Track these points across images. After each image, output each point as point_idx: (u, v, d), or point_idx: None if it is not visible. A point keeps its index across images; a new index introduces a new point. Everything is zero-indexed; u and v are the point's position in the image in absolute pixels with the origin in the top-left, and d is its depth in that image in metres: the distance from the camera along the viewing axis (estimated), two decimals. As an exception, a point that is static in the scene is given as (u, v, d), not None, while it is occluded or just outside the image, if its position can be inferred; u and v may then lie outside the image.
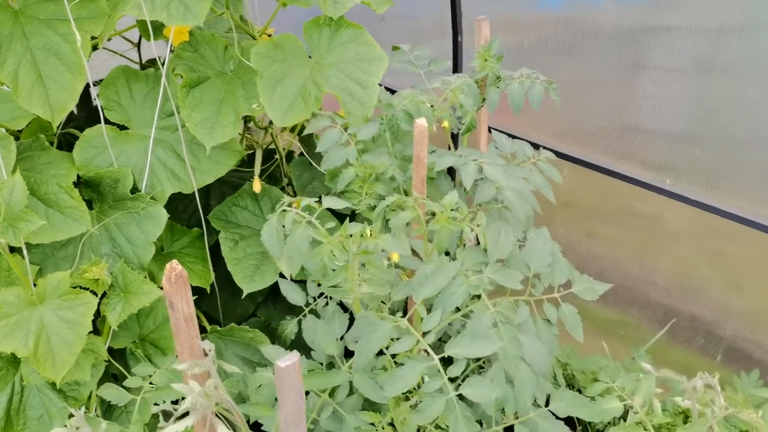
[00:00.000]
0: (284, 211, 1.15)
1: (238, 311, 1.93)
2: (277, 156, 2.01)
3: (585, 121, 2.16)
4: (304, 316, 1.64)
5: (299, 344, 1.70)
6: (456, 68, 2.27)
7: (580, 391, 1.96)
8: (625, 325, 2.37)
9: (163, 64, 1.53)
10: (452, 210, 1.16)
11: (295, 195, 2.01)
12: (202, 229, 1.79)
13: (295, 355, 0.91)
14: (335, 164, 1.43)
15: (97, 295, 1.45)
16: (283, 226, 1.14)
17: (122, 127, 1.58)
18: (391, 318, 1.08)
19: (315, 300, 1.62)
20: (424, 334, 1.05)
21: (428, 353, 1.02)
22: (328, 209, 1.91)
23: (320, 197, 2.03)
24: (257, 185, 1.76)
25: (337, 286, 1.04)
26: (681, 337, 2.19)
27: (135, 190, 1.55)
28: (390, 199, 1.22)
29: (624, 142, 2.09)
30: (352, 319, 1.59)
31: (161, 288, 1.57)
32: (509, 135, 1.76)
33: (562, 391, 1.27)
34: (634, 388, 1.20)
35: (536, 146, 1.78)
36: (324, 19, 1.64)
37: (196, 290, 1.67)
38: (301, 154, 2.14)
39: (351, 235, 1.04)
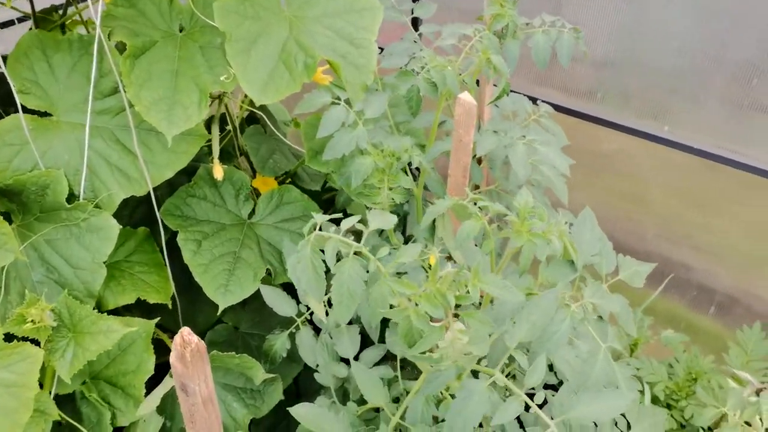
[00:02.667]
0: (319, 234, 0.85)
1: (200, 319, 1.60)
2: (228, 127, 1.64)
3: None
4: (297, 328, 1.36)
5: (289, 357, 1.43)
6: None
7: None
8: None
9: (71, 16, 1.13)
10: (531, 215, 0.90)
11: (253, 172, 1.68)
12: (148, 227, 1.44)
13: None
14: (343, 152, 1.12)
15: (39, 344, 1.10)
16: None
17: (44, 114, 1.18)
18: (484, 369, 0.82)
19: (309, 309, 1.34)
20: (530, 395, 0.80)
21: (543, 418, 0.78)
22: (298, 187, 1.61)
23: (285, 174, 1.72)
24: (219, 170, 1.42)
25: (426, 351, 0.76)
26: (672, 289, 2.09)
27: (71, 196, 1.18)
28: (445, 203, 0.94)
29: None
30: (362, 334, 1.32)
31: (111, 312, 1.24)
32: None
33: (643, 408, 1.08)
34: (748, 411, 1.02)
35: (533, 99, 1.55)
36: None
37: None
38: (251, 119, 1.79)
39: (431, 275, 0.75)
